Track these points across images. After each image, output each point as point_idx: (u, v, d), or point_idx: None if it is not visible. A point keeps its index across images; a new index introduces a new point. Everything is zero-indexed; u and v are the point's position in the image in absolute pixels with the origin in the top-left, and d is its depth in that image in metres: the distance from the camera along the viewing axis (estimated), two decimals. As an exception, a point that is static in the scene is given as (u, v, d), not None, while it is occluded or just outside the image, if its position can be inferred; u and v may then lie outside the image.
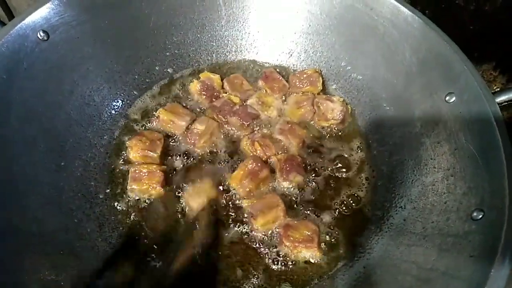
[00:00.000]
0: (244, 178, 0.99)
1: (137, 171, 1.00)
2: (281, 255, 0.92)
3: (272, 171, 1.03)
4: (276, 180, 1.02)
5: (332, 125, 1.12)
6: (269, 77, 1.18)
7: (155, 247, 0.93)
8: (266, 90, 1.18)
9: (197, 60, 1.23)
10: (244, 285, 0.89)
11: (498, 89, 1.22)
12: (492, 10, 1.17)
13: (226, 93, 1.17)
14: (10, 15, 1.50)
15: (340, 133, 1.12)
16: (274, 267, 0.91)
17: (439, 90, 0.91)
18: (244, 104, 1.14)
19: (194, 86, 1.17)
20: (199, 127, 1.09)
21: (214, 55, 1.24)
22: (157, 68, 1.19)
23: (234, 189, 1.01)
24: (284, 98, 1.18)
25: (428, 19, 0.94)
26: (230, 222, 0.97)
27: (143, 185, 0.99)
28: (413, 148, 0.97)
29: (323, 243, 0.94)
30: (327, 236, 0.95)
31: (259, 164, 1.01)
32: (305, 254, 0.92)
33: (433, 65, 0.93)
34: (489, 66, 1.25)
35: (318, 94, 1.17)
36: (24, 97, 0.91)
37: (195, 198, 0.99)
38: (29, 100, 0.93)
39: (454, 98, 0.88)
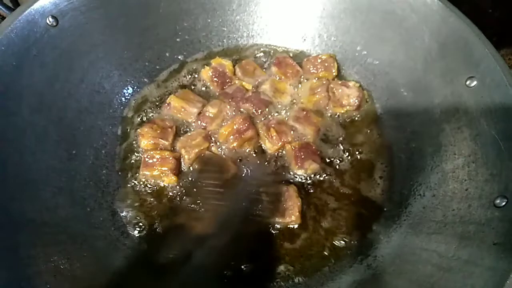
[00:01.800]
0: (230, 135, 1.01)
1: (149, 157, 0.99)
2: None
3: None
4: (289, 170, 1.01)
5: (348, 112, 1.09)
6: (282, 63, 1.15)
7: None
8: (279, 76, 1.15)
9: (208, 46, 1.21)
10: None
11: (517, 74, 1.19)
12: (512, -7, 1.14)
13: (238, 79, 1.15)
14: (15, 1, 1.48)
15: (356, 120, 1.09)
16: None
17: (459, 74, 0.88)
18: (257, 90, 1.12)
19: (206, 73, 1.14)
20: (211, 110, 1.07)
21: (225, 40, 1.21)
22: (167, 54, 1.16)
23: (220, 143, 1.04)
24: (297, 84, 1.15)
25: (447, 2, 0.91)
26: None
27: (155, 171, 0.98)
28: (432, 134, 0.94)
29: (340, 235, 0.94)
30: (344, 226, 0.94)
31: (246, 124, 1.02)
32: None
33: (454, 49, 0.90)
34: (508, 51, 1.22)
35: (333, 79, 1.14)
36: (35, 85, 0.90)
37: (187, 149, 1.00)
38: (40, 88, 0.91)
39: (475, 83, 0.85)
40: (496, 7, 1.20)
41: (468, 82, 0.86)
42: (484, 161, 0.81)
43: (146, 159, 0.99)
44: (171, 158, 0.98)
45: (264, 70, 1.18)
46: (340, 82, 1.11)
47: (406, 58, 1.02)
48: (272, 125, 1.04)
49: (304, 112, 1.07)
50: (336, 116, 1.10)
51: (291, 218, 0.92)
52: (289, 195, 0.94)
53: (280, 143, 1.02)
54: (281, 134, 1.03)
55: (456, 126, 0.89)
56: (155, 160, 0.98)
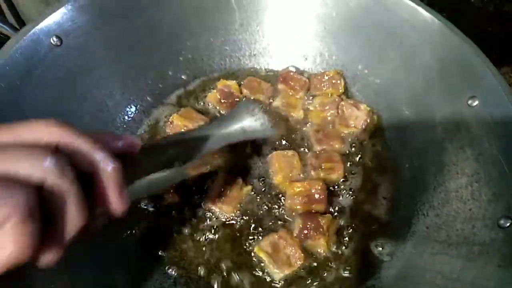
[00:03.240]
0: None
1: (152, 177, 0.98)
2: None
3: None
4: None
5: (351, 132, 1.07)
6: (287, 78, 1.15)
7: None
8: (287, 91, 1.14)
9: (210, 65, 1.21)
10: None
11: (518, 92, 1.20)
12: (512, 11, 1.15)
13: (245, 97, 1.14)
14: (20, 20, 1.50)
15: (356, 139, 1.08)
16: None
17: (461, 93, 0.88)
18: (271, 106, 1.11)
19: (214, 97, 1.13)
20: None
21: (227, 59, 1.22)
22: (170, 73, 1.17)
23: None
24: (307, 97, 1.15)
25: (448, 21, 0.92)
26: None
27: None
28: (434, 153, 0.94)
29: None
30: (344, 245, 0.93)
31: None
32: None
33: (454, 68, 0.90)
34: (508, 69, 1.23)
35: (340, 96, 1.13)
36: (38, 103, 0.90)
37: None
38: (43, 106, 0.91)
39: (476, 102, 0.85)
40: (496, 25, 1.21)
41: (469, 102, 0.87)
42: (487, 181, 0.81)
43: (149, 179, 0.98)
44: (174, 177, 0.98)
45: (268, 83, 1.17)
46: (352, 102, 1.10)
47: (407, 77, 1.03)
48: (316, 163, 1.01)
49: (320, 132, 1.06)
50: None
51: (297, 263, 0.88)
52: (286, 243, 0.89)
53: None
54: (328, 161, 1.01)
55: (458, 145, 0.89)
56: (157, 180, 0.98)
